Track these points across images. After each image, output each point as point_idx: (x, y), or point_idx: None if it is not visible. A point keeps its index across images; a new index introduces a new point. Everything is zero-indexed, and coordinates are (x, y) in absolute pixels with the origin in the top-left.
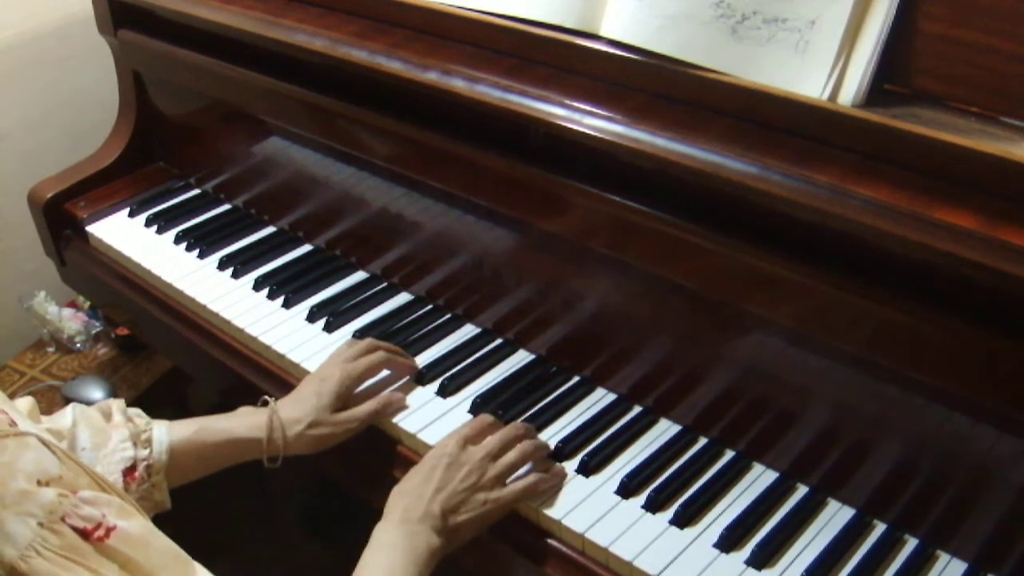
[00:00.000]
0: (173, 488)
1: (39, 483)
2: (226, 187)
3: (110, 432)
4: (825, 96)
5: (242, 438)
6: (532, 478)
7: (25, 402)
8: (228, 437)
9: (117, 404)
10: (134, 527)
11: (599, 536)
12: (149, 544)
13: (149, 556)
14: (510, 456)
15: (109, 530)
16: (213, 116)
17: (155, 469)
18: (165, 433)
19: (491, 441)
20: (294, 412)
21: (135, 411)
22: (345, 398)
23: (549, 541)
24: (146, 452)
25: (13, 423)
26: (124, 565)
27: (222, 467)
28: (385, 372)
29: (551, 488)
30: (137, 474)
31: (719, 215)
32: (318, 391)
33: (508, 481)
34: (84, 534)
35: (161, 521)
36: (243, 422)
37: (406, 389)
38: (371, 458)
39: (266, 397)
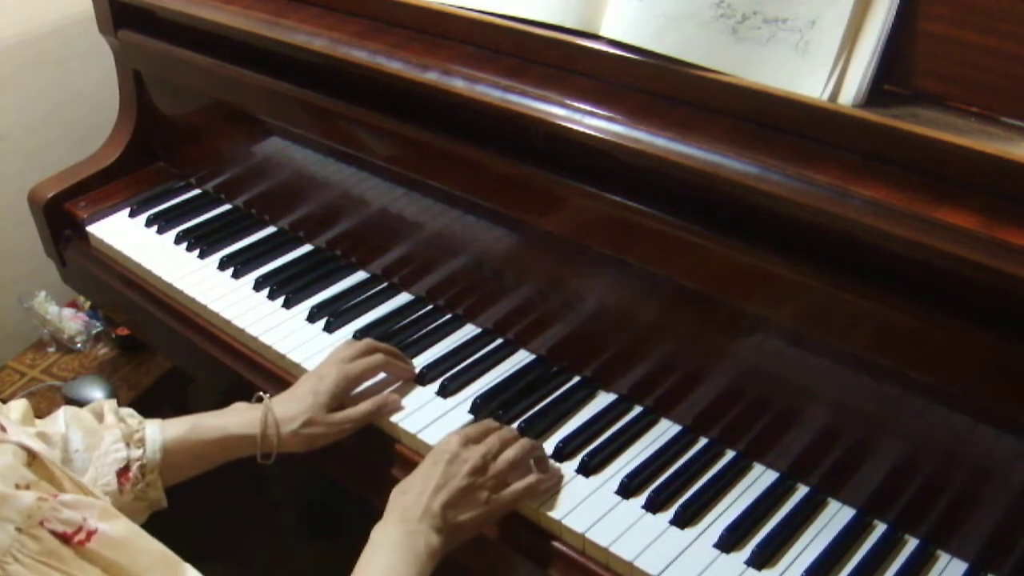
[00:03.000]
0: (169, 486)
1: (17, 487)
2: (226, 187)
3: (102, 433)
4: (825, 96)
5: (236, 435)
6: (532, 478)
7: (19, 405)
8: (222, 434)
9: (109, 405)
10: (117, 530)
11: (599, 536)
12: (134, 546)
13: (134, 559)
14: (510, 452)
15: (90, 533)
16: (213, 116)
17: (149, 468)
18: (158, 432)
19: (491, 440)
20: (289, 410)
21: (127, 411)
22: (341, 398)
23: (550, 541)
24: (139, 452)
25: (1, 428)
26: (107, 568)
27: (216, 464)
28: (383, 375)
29: (550, 488)
30: (131, 474)
31: (719, 215)
32: (315, 390)
33: (510, 480)
34: (64, 538)
35: (161, 522)
36: (237, 419)
37: (406, 389)
38: (371, 458)
39: (260, 394)
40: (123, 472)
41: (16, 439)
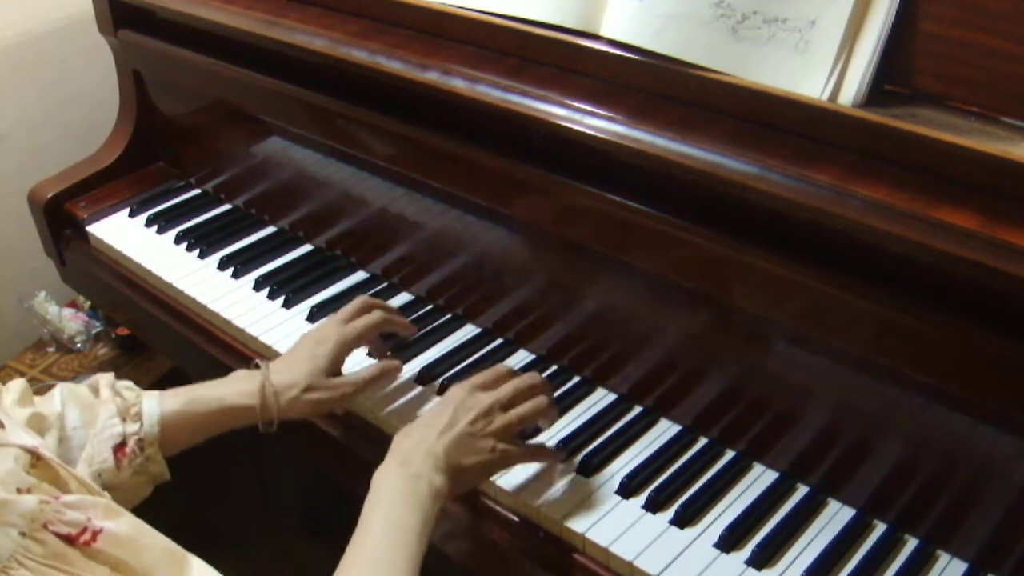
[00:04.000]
0: (169, 456)
1: (19, 491)
2: (226, 187)
3: (98, 409)
4: (825, 96)
5: (235, 405)
6: (545, 447)
7: (16, 385)
8: (220, 406)
9: (105, 379)
10: (122, 527)
11: (599, 536)
12: (139, 543)
13: (140, 555)
14: (522, 408)
15: (95, 533)
16: (213, 116)
17: (147, 442)
18: (155, 405)
19: (504, 389)
20: (288, 377)
21: (124, 384)
22: (341, 361)
23: (550, 541)
24: (136, 426)
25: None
26: (115, 567)
27: (216, 433)
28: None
29: (556, 456)
30: (128, 449)
31: (719, 215)
32: (313, 354)
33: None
34: (69, 540)
35: (161, 520)
36: (235, 389)
37: (405, 389)
38: (371, 458)
39: (258, 361)
40: (120, 447)
41: (18, 442)
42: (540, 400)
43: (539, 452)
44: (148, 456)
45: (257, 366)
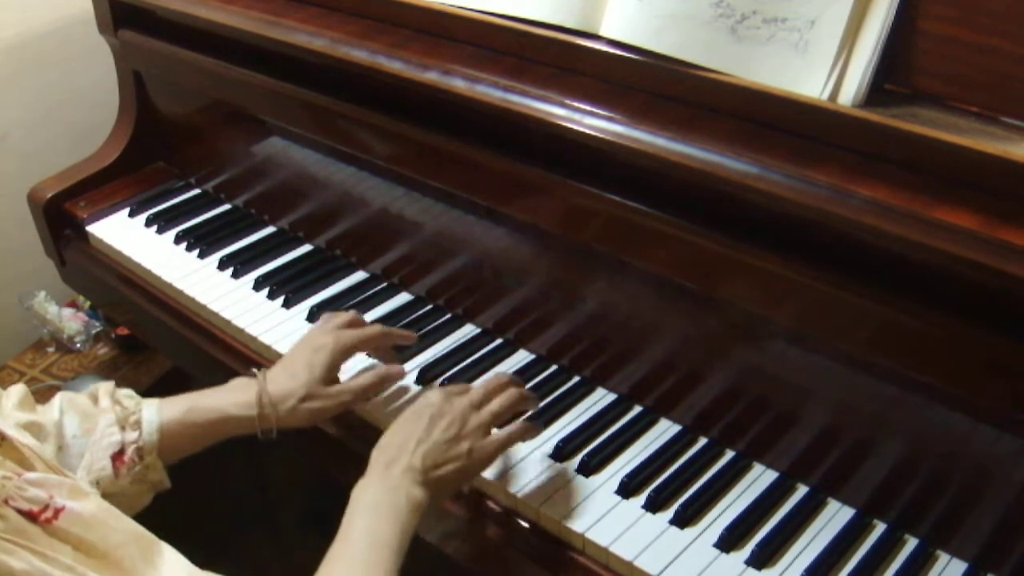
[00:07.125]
0: (169, 464)
1: None
2: (226, 187)
3: (97, 418)
4: (825, 96)
5: (233, 416)
6: (515, 426)
7: (17, 390)
8: (219, 416)
9: (105, 387)
10: (87, 508)
11: (599, 536)
12: (105, 524)
13: (105, 536)
14: (494, 404)
15: (58, 511)
16: (213, 116)
17: (146, 451)
18: (155, 413)
19: (475, 391)
20: (285, 386)
21: (125, 392)
22: (337, 368)
23: (549, 541)
24: (135, 435)
25: None
26: (77, 546)
27: (216, 441)
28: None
29: (534, 433)
30: (126, 457)
31: (719, 215)
32: (310, 363)
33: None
34: (31, 516)
35: (161, 521)
36: (234, 398)
37: (404, 389)
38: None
39: (255, 370)
40: (118, 456)
41: None
42: (512, 392)
43: (513, 435)
44: (147, 464)
45: (254, 374)
